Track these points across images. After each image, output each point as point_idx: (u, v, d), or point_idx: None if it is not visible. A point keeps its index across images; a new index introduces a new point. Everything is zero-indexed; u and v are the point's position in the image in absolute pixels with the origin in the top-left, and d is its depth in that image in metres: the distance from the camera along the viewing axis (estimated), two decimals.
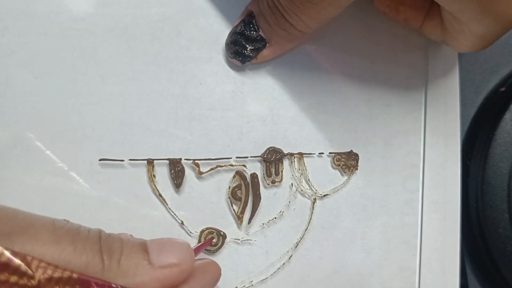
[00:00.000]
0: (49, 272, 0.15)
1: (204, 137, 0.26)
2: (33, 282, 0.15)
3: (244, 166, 0.26)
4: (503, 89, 0.31)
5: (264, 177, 0.26)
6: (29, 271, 0.15)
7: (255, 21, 0.25)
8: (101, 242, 0.18)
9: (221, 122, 0.27)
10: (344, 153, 0.27)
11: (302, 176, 0.27)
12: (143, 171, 0.26)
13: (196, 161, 0.26)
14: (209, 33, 0.27)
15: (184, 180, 0.26)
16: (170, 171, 0.26)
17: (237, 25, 0.26)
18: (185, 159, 0.26)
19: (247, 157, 0.26)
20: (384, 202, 0.27)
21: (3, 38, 0.25)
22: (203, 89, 0.27)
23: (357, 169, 0.27)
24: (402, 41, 0.29)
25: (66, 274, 0.16)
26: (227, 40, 0.26)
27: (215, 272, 0.22)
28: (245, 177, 0.26)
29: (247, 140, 0.27)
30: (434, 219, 0.27)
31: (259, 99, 0.27)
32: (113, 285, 0.17)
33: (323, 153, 0.27)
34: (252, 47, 0.25)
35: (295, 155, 0.27)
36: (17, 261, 0.15)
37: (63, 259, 0.16)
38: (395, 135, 0.28)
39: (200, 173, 0.26)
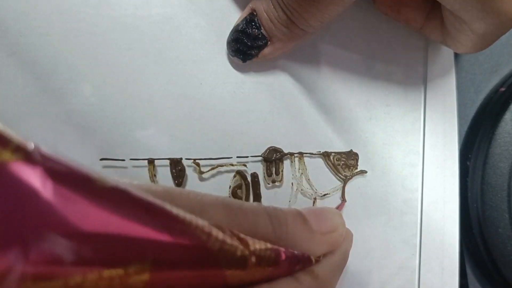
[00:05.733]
0: (250, 243, 0.16)
1: (204, 137, 0.26)
2: (246, 252, 0.15)
3: (245, 165, 0.27)
4: (503, 89, 0.31)
5: (264, 177, 0.27)
6: (239, 244, 0.15)
7: (257, 19, 0.25)
8: (268, 213, 0.18)
9: (222, 122, 0.27)
10: (344, 153, 0.27)
11: (302, 176, 0.27)
12: (144, 170, 0.26)
13: (196, 161, 0.26)
14: (210, 33, 0.27)
15: (184, 180, 0.26)
16: (171, 170, 0.26)
17: (239, 23, 0.26)
18: (185, 159, 0.26)
19: (247, 157, 0.27)
20: (383, 201, 0.28)
21: (5, 39, 0.26)
22: (204, 89, 0.27)
23: (357, 168, 0.27)
24: (402, 42, 0.29)
25: (264, 245, 0.16)
26: (228, 38, 0.26)
27: (351, 239, 0.23)
28: (246, 176, 0.26)
29: (248, 139, 0.27)
30: (433, 218, 0.27)
31: (259, 98, 0.27)
32: (295, 252, 0.18)
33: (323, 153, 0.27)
34: (254, 45, 0.25)
35: (295, 155, 0.27)
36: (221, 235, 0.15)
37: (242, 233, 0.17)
38: (394, 135, 0.28)
39: (201, 172, 0.26)
